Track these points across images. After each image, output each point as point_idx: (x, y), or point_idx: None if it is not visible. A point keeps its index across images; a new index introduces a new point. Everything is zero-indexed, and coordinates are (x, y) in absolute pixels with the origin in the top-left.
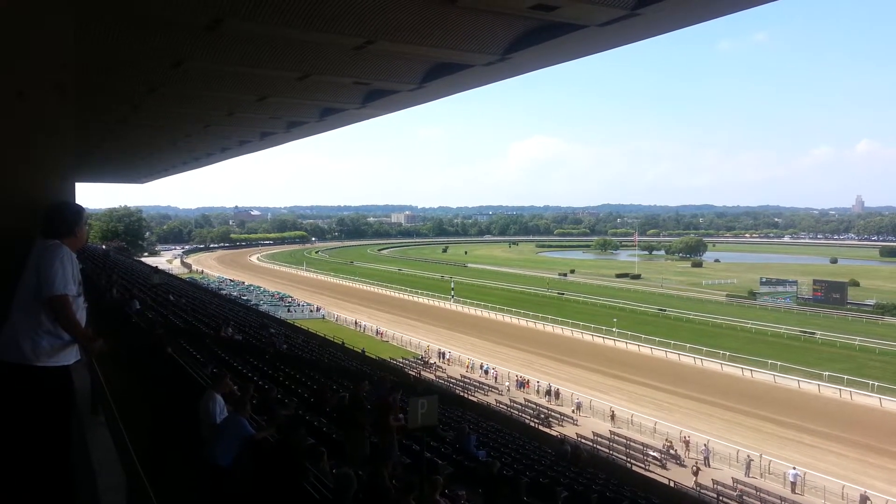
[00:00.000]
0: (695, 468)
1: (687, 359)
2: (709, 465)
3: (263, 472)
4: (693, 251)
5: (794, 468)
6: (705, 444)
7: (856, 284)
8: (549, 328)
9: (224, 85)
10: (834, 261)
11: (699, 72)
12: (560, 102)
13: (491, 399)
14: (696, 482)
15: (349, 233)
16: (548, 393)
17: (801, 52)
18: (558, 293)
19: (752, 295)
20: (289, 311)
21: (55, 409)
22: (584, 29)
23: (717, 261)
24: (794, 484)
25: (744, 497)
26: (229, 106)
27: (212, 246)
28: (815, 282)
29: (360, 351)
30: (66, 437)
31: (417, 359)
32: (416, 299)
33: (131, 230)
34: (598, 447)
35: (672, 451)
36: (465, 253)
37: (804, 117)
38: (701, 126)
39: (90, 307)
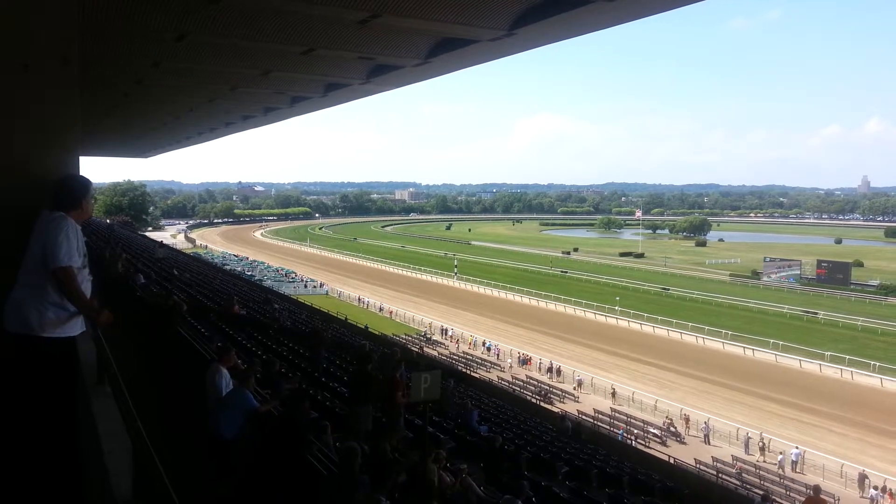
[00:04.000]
0: (760, 443)
1: (689, 337)
2: (709, 443)
3: (267, 445)
4: (697, 230)
5: (796, 447)
6: (705, 422)
7: (860, 265)
8: (551, 306)
9: (227, 59)
10: (839, 241)
11: (710, 51)
12: (567, 81)
13: (493, 376)
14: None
15: (353, 209)
16: (549, 370)
17: (815, 30)
18: (561, 271)
19: (756, 274)
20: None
21: (61, 379)
22: (593, 3)
23: (721, 240)
24: (794, 462)
25: (742, 474)
26: (233, 80)
27: (215, 221)
28: (818, 262)
29: (363, 327)
30: (72, 406)
31: (420, 335)
32: (419, 276)
33: (135, 204)
34: (599, 424)
35: (672, 429)
36: (469, 230)
37: (814, 96)
38: (708, 105)
39: (95, 280)
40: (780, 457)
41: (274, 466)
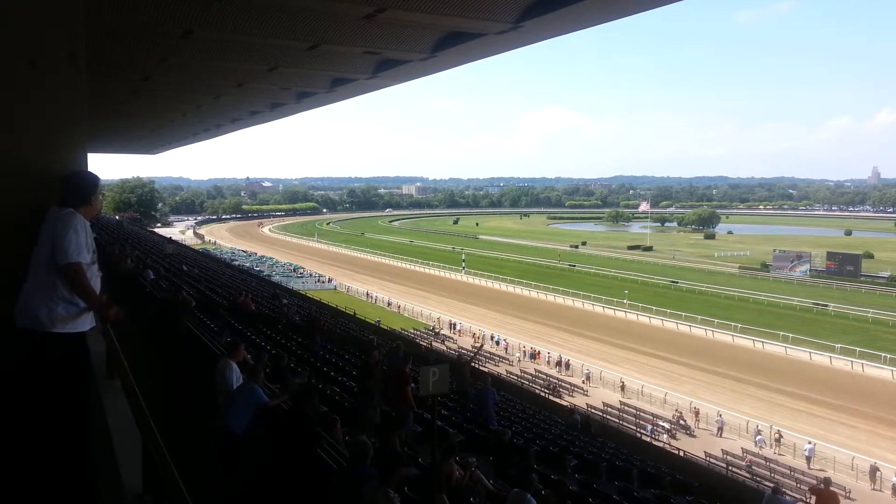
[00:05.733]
0: (776, 436)
1: (698, 330)
2: (721, 436)
3: (276, 439)
4: (706, 223)
5: (809, 441)
6: (718, 415)
7: (870, 256)
8: (560, 300)
9: (234, 55)
10: (848, 233)
11: (718, 42)
12: (573, 74)
13: (502, 370)
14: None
15: (360, 204)
16: (558, 364)
17: (824, 22)
18: (569, 265)
19: (765, 267)
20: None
21: (71, 374)
22: None
23: (730, 233)
24: (809, 458)
25: (753, 467)
26: (239, 76)
27: (224, 217)
28: (828, 254)
29: (374, 322)
30: (83, 401)
31: (429, 329)
32: (427, 271)
33: (144, 201)
34: (608, 417)
35: (682, 422)
36: (477, 225)
37: (824, 88)
38: (717, 97)
39: (104, 276)
40: (758, 437)
41: (283, 461)
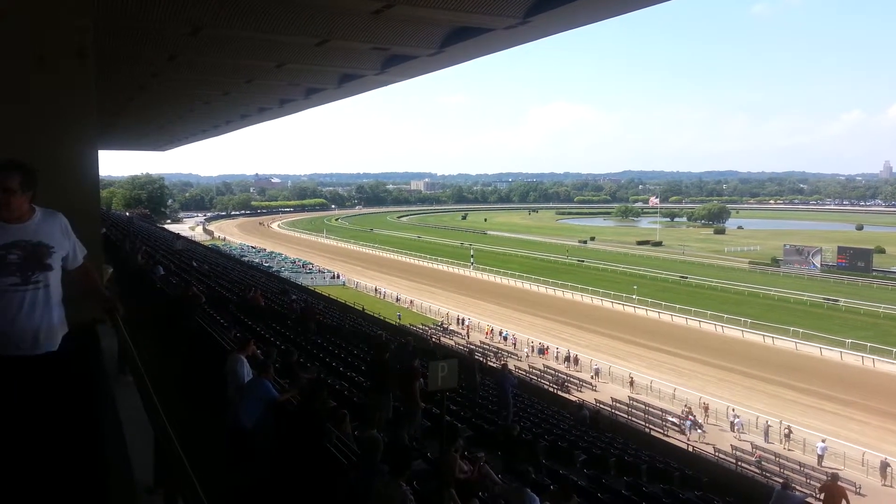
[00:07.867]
0: (786, 431)
1: (708, 326)
2: (734, 430)
3: (286, 434)
4: (716, 218)
5: (823, 440)
6: (733, 411)
7: (881, 251)
8: (568, 295)
9: (242, 52)
10: (860, 227)
11: (731, 36)
12: (582, 68)
13: (510, 365)
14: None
15: (368, 200)
16: (567, 359)
17: (837, 15)
18: (578, 260)
19: (775, 262)
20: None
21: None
22: None
23: (740, 228)
24: (821, 457)
25: (762, 462)
26: (248, 73)
27: (233, 213)
28: (839, 249)
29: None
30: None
31: (437, 325)
32: (435, 266)
33: (154, 197)
34: (617, 413)
35: (691, 417)
36: (485, 220)
37: (835, 82)
38: (728, 92)
39: (116, 272)
40: (736, 420)
41: (293, 455)
